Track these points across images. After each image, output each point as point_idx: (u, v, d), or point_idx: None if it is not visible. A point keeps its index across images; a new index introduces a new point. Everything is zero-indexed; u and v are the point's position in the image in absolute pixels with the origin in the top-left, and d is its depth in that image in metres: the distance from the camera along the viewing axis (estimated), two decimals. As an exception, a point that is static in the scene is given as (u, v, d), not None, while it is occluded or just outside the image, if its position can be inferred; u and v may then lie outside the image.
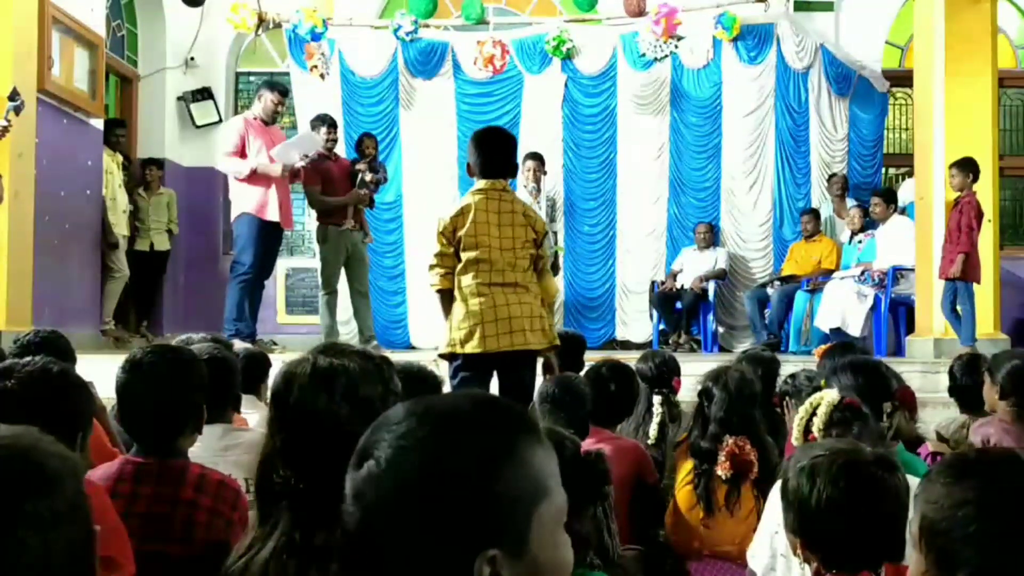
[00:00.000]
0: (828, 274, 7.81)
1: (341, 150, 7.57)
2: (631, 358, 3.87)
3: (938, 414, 4.41)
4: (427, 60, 8.58)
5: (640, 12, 8.30)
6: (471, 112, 8.53)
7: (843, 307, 7.27)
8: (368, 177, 6.95)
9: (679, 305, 8.20)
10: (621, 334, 8.62)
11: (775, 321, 7.85)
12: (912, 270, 7.15)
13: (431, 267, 3.67)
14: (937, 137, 6.81)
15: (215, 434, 2.51)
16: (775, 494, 2.06)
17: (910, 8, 8.35)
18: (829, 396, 2.36)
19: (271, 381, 1.78)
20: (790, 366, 3.86)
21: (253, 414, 3.20)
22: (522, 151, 6.83)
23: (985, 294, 6.51)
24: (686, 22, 8.22)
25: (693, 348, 8.17)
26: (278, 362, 2.30)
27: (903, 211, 7.71)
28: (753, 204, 8.61)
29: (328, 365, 1.64)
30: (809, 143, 8.60)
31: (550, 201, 8.12)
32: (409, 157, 8.61)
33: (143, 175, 8.41)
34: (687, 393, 3.84)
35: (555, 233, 7.97)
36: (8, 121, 5.51)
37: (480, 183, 3.67)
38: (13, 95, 5.53)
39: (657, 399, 3.60)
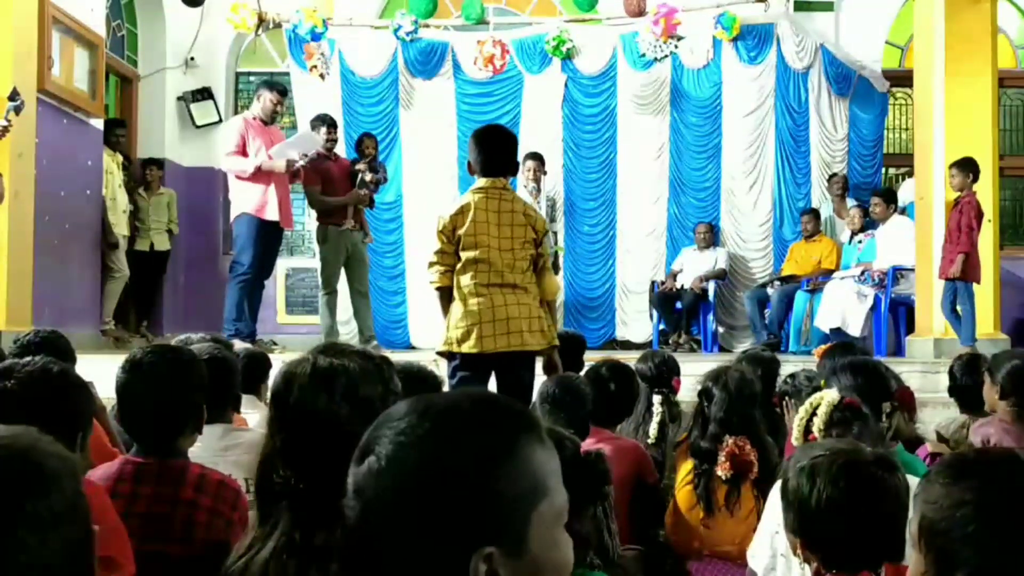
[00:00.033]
0: (828, 274, 7.81)
1: (341, 150, 7.57)
2: (631, 358, 3.87)
3: (938, 414, 4.41)
4: (427, 60, 8.58)
5: (640, 12, 8.30)
6: (471, 112, 8.53)
7: (843, 307, 7.27)
8: (368, 177, 6.95)
9: (679, 305, 8.20)
10: (621, 334, 8.62)
11: (775, 321, 7.85)
12: (912, 270, 7.15)
13: (431, 264, 3.67)
14: (937, 137, 6.81)
15: (215, 434, 2.51)
16: (775, 494, 2.06)
17: (910, 8, 8.35)
18: (829, 396, 2.36)
19: (271, 381, 1.78)
20: (790, 366, 3.86)
21: (253, 414, 3.20)
22: (522, 151, 6.83)
23: (985, 294, 6.51)
24: (686, 22, 8.22)
25: (693, 348, 8.17)
26: (278, 362, 2.31)
27: (903, 211, 7.71)
28: (753, 204, 8.61)
29: (328, 365, 1.64)
30: (809, 143, 8.60)
31: (550, 201, 8.12)
32: (409, 157, 8.61)
33: (143, 175, 8.41)
34: (687, 393, 3.84)
35: (555, 233, 7.97)
36: (8, 121, 5.50)
37: (480, 181, 3.66)
38: (13, 95, 5.53)
39: (657, 399, 3.61)
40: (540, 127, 8.47)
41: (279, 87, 6.67)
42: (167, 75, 9.00)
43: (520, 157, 6.13)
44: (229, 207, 6.59)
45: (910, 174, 8.06)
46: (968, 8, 6.77)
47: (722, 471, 2.89)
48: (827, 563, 1.71)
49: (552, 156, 8.24)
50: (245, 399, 3.13)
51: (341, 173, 6.95)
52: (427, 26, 8.57)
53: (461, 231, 3.57)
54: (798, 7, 8.81)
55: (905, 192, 8.01)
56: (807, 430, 2.33)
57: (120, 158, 7.88)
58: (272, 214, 6.35)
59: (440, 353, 3.70)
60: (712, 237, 8.41)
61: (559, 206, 8.47)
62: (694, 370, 3.95)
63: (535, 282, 3.67)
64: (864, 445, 1.85)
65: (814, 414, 2.33)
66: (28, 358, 2.07)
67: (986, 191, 6.58)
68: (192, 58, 9.11)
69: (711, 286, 8.13)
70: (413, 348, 8.29)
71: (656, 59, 8.44)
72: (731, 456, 2.88)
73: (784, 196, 8.61)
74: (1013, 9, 9.20)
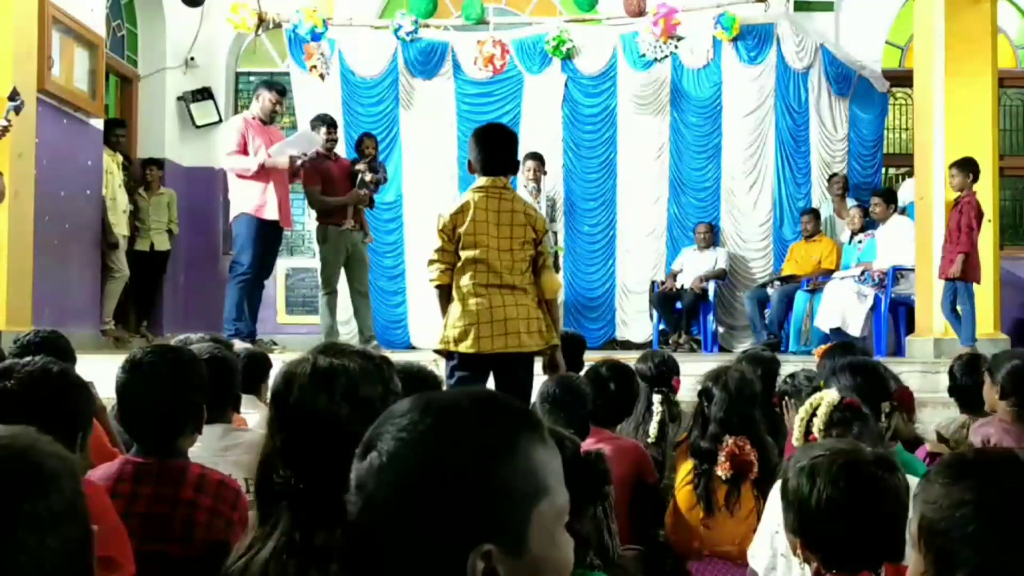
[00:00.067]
0: (828, 274, 7.81)
1: (341, 150, 7.57)
2: (631, 358, 3.87)
3: (938, 414, 4.41)
4: (427, 60, 8.58)
5: (640, 12, 8.30)
6: (471, 112, 8.52)
7: (843, 307, 7.27)
8: (368, 177, 6.95)
9: (679, 305, 8.20)
10: (621, 334, 8.62)
11: (775, 321, 7.85)
12: (912, 270, 7.15)
13: (430, 262, 3.67)
14: (937, 137, 6.81)
15: (215, 434, 2.51)
16: (775, 494, 2.06)
17: (910, 8, 8.35)
18: (829, 396, 2.36)
19: (271, 381, 1.78)
20: (790, 366, 3.86)
21: (253, 414, 3.20)
22: (522, 151, 6.83)
23: (985, 294, 6.51)
24: (686, 22, 8.22)
25: (693, 348, 8.17)
26: (278, 362, 2.31)
27: (903, 211, 7.71)
28: (753, 204, 8.61)
29: (328, 365, 1.64)
30: (809, 143, 8.60)
31: (550, 201, 8.12)
32: (409, 157, 8.61)
33: (143, 175, 8.41)
34: (687, 393, 3.84)
35: (555, 233, 7.97)
36: (8, 121, 5.51)
37: (481, 180, 3.66)
38: (13, 95, 5.53)
39: (657, 398, 3.61)
40: (540, 127, 8.47)
41: (278, 87, 6.67)
42: (167, 75, 9.00)
43: (520, 157, 6.14)
44: (229, 207, 6.59)
45: (910, 174, 8.06)
46: (968, 8, 6.77)
47: (722, 471, 2.89)
48: (827, 563, 1.71)
49: (552, 156, 8.24)
50: (245, 399, 3.13)
51: (341, 173, 6.95)
52: (427, 26, 8.57)
53: (461, 230, 3.57)
54: (798, 7, 8.81)
55: (905, 192, 8.01)
56: (807, 431, 2.33)
57: (120, 158, 7.88)
58: (271, 213, 6.35)
59: (437, 351, 3.71)
60: (712, 237, 8.41)
61: (559, 206, 8.47)
62: (694, 370, 3.96)
63: (534, 283, 3.67)
64: (864, 445, 1.85)
65: (814, 415, 2.33)
66: (28, 358, 2.07)
67: (986, 191, 6.58)
68: (192, 58, 9.11)
69: (711, 286, 8.13)
70: (413, 348, 8.29)
71: (656, 59, 8.44)
72: (731, 456, 2.88)
73: (784, 196, 8.61)
74: (1013, 9, 9.19)
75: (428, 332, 7.84)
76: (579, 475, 1.86)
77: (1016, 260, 8.49)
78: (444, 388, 3.27)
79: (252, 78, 9.34)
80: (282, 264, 8.57)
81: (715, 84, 8.57)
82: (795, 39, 8.49)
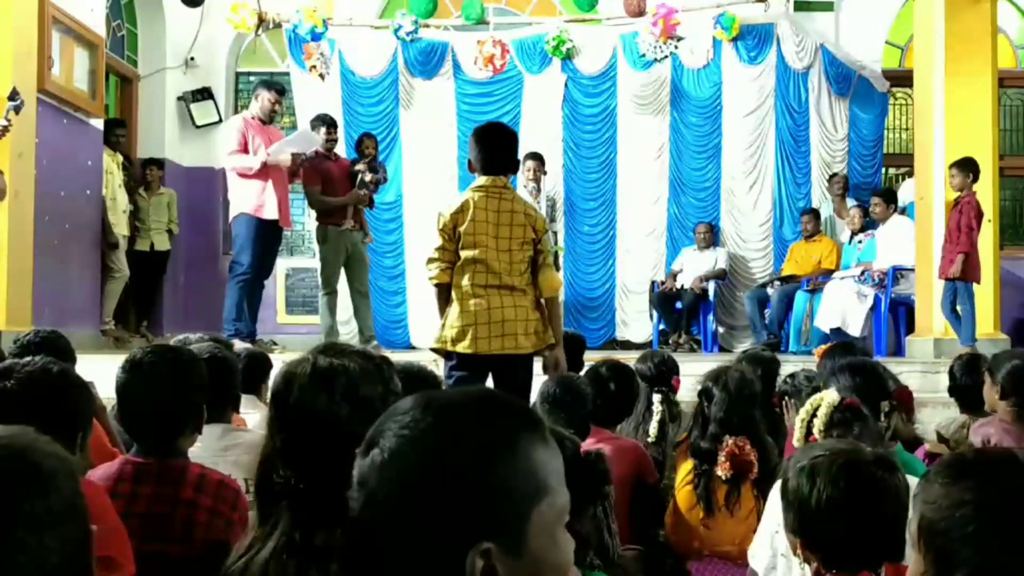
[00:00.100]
0: (828, 274, 7.81)
1: (341, 150, 7.57)
2: (631, 358, 3.87)
3: (938, 414, 4.41)
4: (427, 60, 8.58)
5: (640, 12, 8.30)
6: (471, 112, 8.52)
7: (843, 307, 7.27)
8: (368, 177, 6.95)
9: (679, 305, 8.20)
10: (621, 334, 8.62)
11: (775, 321, 7.85)
12: (912, 270, 7.15)
13: (430, 260, 3.67)
14: (937, 137, 6.81)
15: (215, 434, 2.51)
16: (775, 494, 2.06)
17: (910, 8, 8.35)
18: (829, 397, 2.36)
19: (271, 381, 1.78)
20: (790, 366, 3.86)
21: (253, 414, 3.20)
22: (522, 151, 6.83)
23: (985, 294, 6.51)
24: (686, 22, 8.21)
25: (693, 348, 8.17)
26: (278, 362, 2.31)
27: (903, 211, 7.71)
28: (753, 204, 8.61)
29: (328, 365, 1.64)
30: (809, 143, 8.60)
31: (550, 201, 8.12)
32: (409, 157, 8.61)
33: (143, 175, 8.41)
34: (687, 393, 3.84)
35: (555, 233, 7.97)
36: (8, 121, 5.50)
37: (481, 179, 3.66)
38: (13, 95, 5.53)
39: (657, 398, 3.61)
40: (540, 127, 8.47)
41: (277, 86, 6.66)
42: (167, 75, 9.00)
43: (520, 157, 6.14)
44: (229, 207, 6.59)
45: (910, 174, 8.06)
46: (968, 8, 6.77)
47: (722, 471, 2.89)
48: (827, 563, 1.71)
49: (552, 156, 8.24)
50: (245, 399, 3.13)
51: (341, 173, 6.95)
52: (427, 26, 8.57)
53: (461, 229, 3.57)
54: (798, 7, 8.81)
55: (905, 192, 8.01)
56: (808, 432, 2.34)
57: (120, 158, 7.88)
58: (271, 213, 6.34)
59: (434, 350, 3.71)
60: (712, 237, 8.41)
61: (559, 206, 8.47)
62: (694, 370, 3.96)
63: (532, 284, 3.67)
64: (864, 445, 1.85)
65: (815, 416, 2.33)
66: (28, 358, 2.07)
67: (986, 191, 6.58)
68: (192, 58, 9.11)
69: (711, 286, 8.13)
70: (413, 348, 8.29)
71: (656, 59, 8.44)
72: (731, 456, 2.88)
73: (784, 196, 8.61)
74: (1013, 9, 9.19)
75: (428, 332, 7.76)
76: (579, 475, 1.86)
77: (1016, 260, 8.49)
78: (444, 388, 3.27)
79: (252, 78, 9.33)
80: (282, 264, 8.57)
81: (715, 84, 8.57)
82: (795, 39, 8.49)
